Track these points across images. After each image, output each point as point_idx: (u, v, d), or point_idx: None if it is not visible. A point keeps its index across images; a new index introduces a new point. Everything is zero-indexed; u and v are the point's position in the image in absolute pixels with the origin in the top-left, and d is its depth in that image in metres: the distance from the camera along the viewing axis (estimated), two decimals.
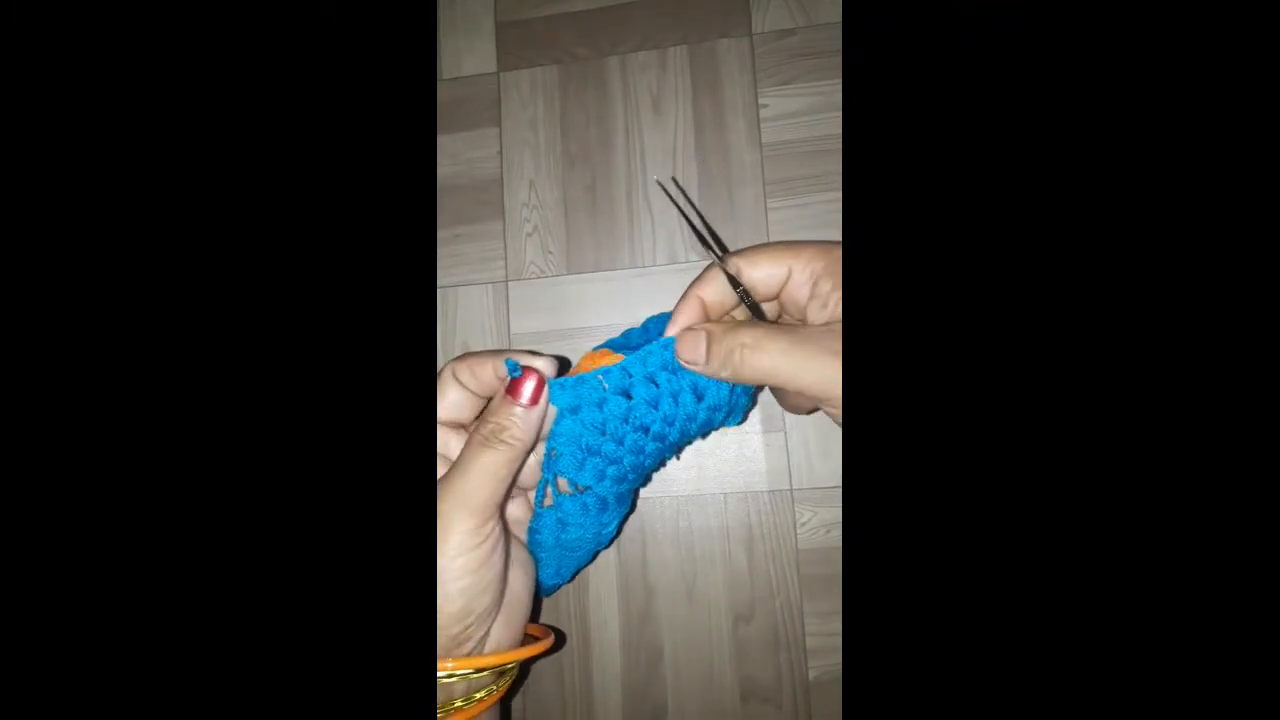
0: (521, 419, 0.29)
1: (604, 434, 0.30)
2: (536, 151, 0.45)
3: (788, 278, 0.29)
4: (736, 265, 0.30)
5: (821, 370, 0.26)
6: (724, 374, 0.28)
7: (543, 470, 0.31)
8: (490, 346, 0.44)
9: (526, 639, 0.33)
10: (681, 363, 0.29)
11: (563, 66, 0.45)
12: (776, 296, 0.30)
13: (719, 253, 0.31)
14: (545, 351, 0.43)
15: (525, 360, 0.30)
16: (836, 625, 0.40)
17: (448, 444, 0.31)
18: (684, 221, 0.31)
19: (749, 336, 0.28)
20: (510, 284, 0.44)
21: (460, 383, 0.31)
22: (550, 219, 0.44)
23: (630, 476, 0.32)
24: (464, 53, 0.46)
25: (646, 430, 0.30)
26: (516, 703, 0.42)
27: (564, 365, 0.33)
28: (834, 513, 0.41)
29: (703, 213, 0.43)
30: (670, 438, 0.31)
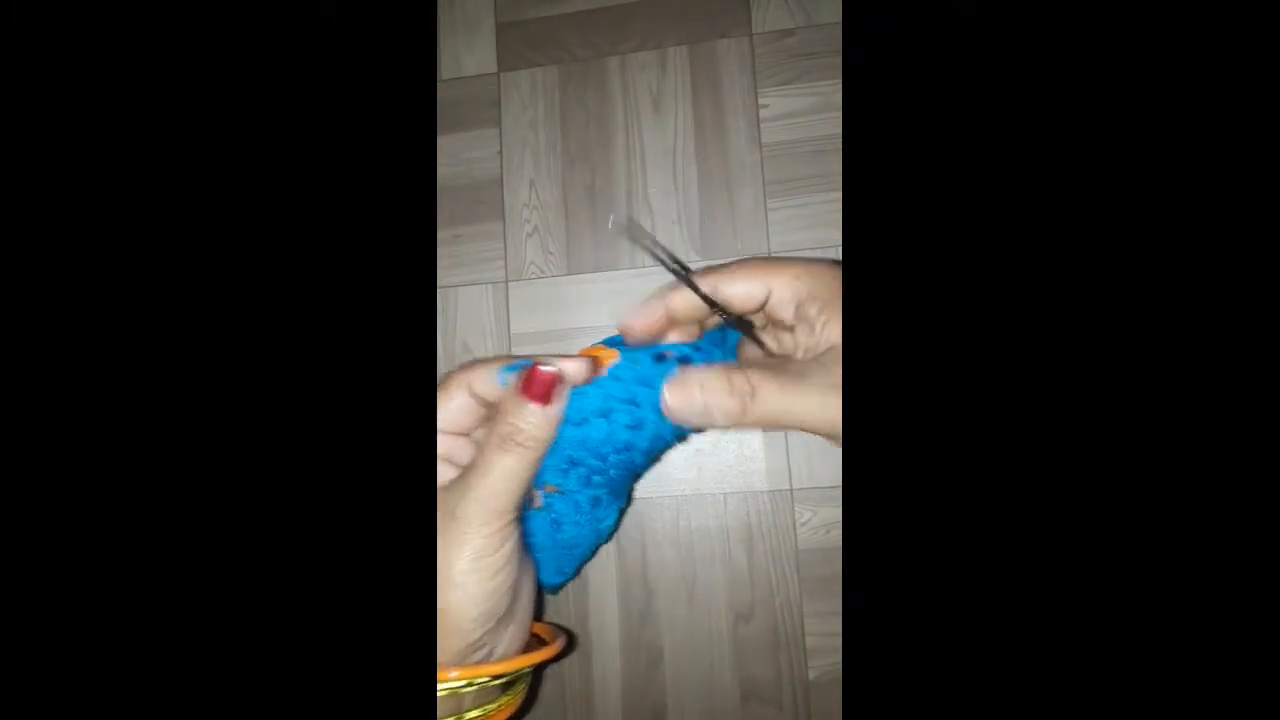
0: (538, 418, 0.28)
1: (585, 449, 0.30)
2: (536, 151, 0.45)
3: (767, 298, 0.29)
4: (712, 282, 0.29)
5: (822, 408, 0.26)
6: (723, 423, 0.27)
7: None
8: (490, 347, 0.44)
9: (534, 641, 0.32)
10: (671, 419, 0.28)
11: (563, 66, 0.45)
12: (757, 313, 0.30)
13: (681, 270, 0.29)
14: (545, 352, 0.43)
15: (557, 363, 0.29)
16: (836, 625, 0.40)
17: (451, 452, 0.31)
18: (651, 252, 0.30)
19: (744, 384, 0.26)
20: (510, 284, 0.44)
21: (474, 393, 0.30)
22: (550, 219, 0.44)
23: (619, 478, 0.32)
24: (464, 53, 0.46)
25: (629, 448, 0.30)
26: None
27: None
28: (834, 513, 0.41)
29: (702, 213, 0.43)
30: (657, 449, 0.31)
